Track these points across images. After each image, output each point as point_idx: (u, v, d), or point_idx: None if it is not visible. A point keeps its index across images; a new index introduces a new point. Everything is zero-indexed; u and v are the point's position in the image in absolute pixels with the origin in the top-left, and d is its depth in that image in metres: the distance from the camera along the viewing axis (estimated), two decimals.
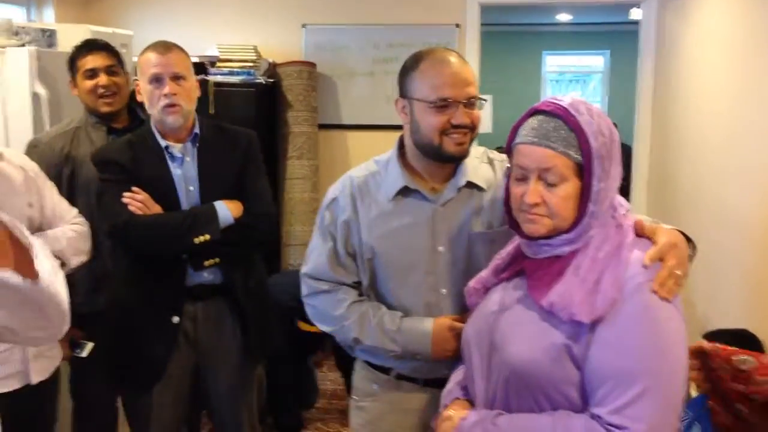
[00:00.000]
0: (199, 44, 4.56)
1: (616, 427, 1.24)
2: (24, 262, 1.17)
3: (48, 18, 4.34)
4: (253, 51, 4.44)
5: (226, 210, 2.25)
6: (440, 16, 4.64)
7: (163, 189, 2.25)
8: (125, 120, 2.70)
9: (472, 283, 1.57)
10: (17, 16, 4.22)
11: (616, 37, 9.15)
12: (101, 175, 2.30)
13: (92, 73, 2.59)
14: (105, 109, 2.60)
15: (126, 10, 4.78)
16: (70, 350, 2.47)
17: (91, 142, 2.59)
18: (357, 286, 1.84)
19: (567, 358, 1.31)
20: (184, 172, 2.29)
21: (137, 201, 2.22)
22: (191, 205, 2.27)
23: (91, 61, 2.59)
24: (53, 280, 1.21)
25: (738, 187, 2.94)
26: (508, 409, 1.39)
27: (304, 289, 1.88)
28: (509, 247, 1.52)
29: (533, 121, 1.37)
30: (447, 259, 1.73)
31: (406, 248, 1.75)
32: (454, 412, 1.48)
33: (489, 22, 5.46)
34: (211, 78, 4.27)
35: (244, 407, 2.49)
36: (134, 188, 2.23)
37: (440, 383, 1.66)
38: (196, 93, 2.32)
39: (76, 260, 2.12)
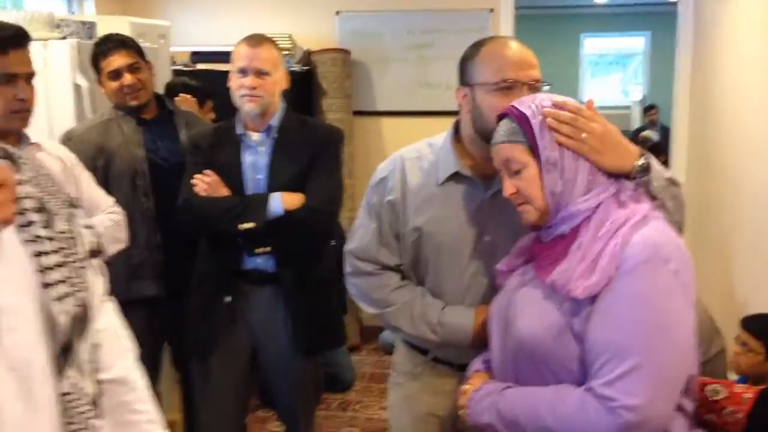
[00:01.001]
0: (236, 33, 4.57)
1: (608, 398, 1.28)
2: None
3: (89, 10, 4.43)
4: (288, 39, 4.48)
5: (279, 201, 2.29)
6: (474, 1, 4.60)
7: (231, 175, 2.37)
8: (153, 110, 2.75)
9: (500, 265, 1.61)
10: (58, 8, 4.32)
11: (657, 18, 8.99)
12: (186, 157, 2.47)
13: (116, 74, 2.63)
14: (133, 103, 2.65)
15: (164, 1, 4.86)
16: None
17: (123, 134, 2.65)
18: (399, 268, 1.85)
19: (569, 334, 1.36)
20: (255, 160, 2.38)
21: (205, 182, 2.33)
22: (258, 192, 2.35)
23: (113, 61, 2.62)
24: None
25: None
26: (518, 381, 1.47)
27: (348, 267, 1.89)
28: (533, 233, 1.56)
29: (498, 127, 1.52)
30: (493, 248, 1.72)
31: (452, 235, 1.75)
32: (470, 386, 1.57)
33: (525, 5, 5.41)
34: None
35: (297, 394, 2.53)
36: (206, 171, 2.35)
37: None
38: (281, 86, 2.40)
39: (113, 248, 2.19)
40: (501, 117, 1.52)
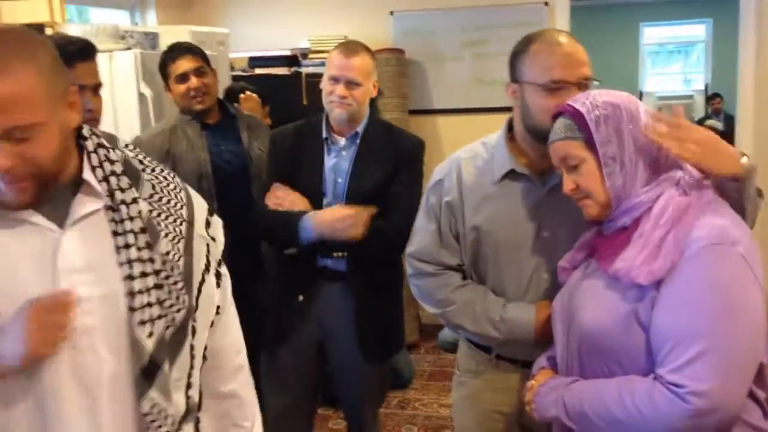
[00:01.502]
0: (292, 38, 4.69)
1: (676, 385, 1.27)
2: None
3: (151, 20, 4.57)
4: (342, 41, 4.53)
5: (309, 225, 2.29)
6: None
7: (311, 176, 2.41)
8: (216, 115, 2.85)
9: (562, 262, 1.62)
10: (122, 19, 4.47)
11: (718, 5, 8.73)
12: (268, 151, 2.55)
13: (183, 77, 2.74)
14: (198, 107, 2.76)
15: (223, 8, 4.97)
16: None
17: (188, 139, 2.75)
18: (460, 268, 1.86)
19: (634, 322, 1.35)
20: (337, 164, 2.41)
21: (275, 196, 2.39)
22: (336, 196, 2.38)
23: (181, 66, 2.75)
24: None
25: None
26: (583, 375, 1.46)
27: (409, 269, 1.92)
28: (595, 228, 1.56)
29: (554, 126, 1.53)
30: (552, 244, 1.72)
31: (511, 232, 1.75)
32: (536, 381, 1.57)
33: None
34: (303, 69, 4.39)
35: (362, 392, 2.56)
36: (276, 185, 2.40)
37: None
38: (369, 95, 2.43)
39: None
40: (556, 115, 1.53)
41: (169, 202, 1.25)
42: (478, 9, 4.67)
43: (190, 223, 1.27)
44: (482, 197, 1.79)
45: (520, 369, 1.81)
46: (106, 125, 2.35)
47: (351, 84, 2.35)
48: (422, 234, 1.89)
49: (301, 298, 2.42)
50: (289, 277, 2.48)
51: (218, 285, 1.34)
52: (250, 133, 2.86)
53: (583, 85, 1.63)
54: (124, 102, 3.08)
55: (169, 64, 2.77)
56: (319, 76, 4.45)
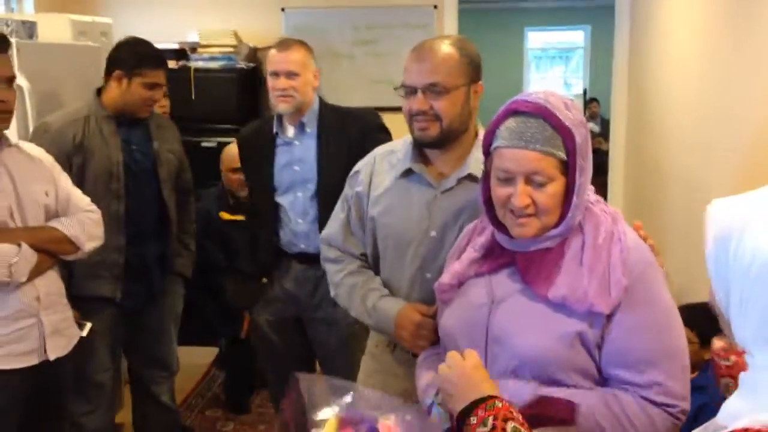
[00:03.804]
0: (180, 30, 4.57)
1: (668, 405, 1.33)
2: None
3: (28, 7, 4.34)
4: (233, 36, 4.46)
5: None
6: None
7: (261, 173, 2.65)
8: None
9: (446, 278, 1.52)
10: None
11: (597, 12, 9.19)
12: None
13: (154, 86, 2.64)
14: (143, 115, 2.70)
15: None
16: None
17: (102, 135, 2.63)
18: (364, 257, 1.93)
19: (580, 345, 1.34)
20: (290, 154, 2.62)
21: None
22: (295, 183, 2.60)
23: (159, 76, 2.66)
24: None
25: (704, 163, 3.01)
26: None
27: (321, 253, 2.01)
28: (482, 239, 1.49)
29: (512, 123, 1.35)
30: (437, 245, 1.77)
31: (400, 227, 1.81)
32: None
33: (468, 0, 5.46)
34: (192, 64, 4.29)
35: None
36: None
37: None
38: (312, 84, 2.60)
39: (90, 245, 2.24)
40: (512, 112, 1.36)
41: None
42: (370, 9, 4.71)
43: None
44: (383, 191, 1.85)
45: (411, 358, 1.83)
46: None
47: (290, 75, 2.52)
48: (334, 221, 1.98)
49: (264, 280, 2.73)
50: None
51: None
52: (159, 134, 2.80)
53: (429, 90, 1.68)
54: None
55: (147, 66, 2.62)
56: (209, 70, 4.41)
